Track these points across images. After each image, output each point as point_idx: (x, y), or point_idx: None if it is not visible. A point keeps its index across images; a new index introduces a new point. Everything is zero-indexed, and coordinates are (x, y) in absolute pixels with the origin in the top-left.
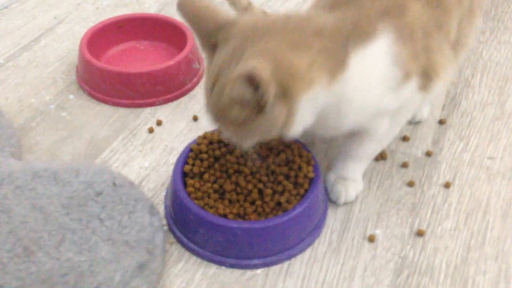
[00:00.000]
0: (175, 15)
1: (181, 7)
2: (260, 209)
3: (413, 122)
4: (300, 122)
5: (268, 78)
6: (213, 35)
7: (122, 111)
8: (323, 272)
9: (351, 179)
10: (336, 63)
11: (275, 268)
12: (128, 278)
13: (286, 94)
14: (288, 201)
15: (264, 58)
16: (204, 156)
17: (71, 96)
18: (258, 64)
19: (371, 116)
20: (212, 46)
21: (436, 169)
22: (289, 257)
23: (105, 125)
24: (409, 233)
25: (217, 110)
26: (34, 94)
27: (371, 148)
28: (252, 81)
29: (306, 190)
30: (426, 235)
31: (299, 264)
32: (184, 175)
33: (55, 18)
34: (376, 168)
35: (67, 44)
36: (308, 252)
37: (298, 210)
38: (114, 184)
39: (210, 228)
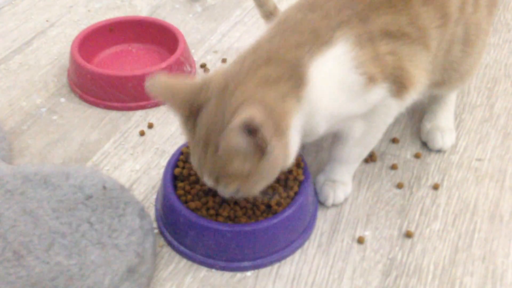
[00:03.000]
0: (166, 18)
1: (151, 88)
2: (250, 212)
3: (434, 150)
4: (293, 150)
5: (263, 119)
6: (193, 101)
7: (113, 114)
8: (312, 273)
9: (340, 182)
10: (297, 82)
11: (265, 270)
12: (118, 281)
13: (279, 131)
14: (278, 204)
15: (250, 103)
16: None
17: (62, 100)
18: (250, 110)
19: (342, 121)
20: (194, 113)
21: (425, 171)
22: (279, 259)
23: (96, 128)
24: (398, 235)
25: (219, 169)
26: (25, 98)
27: (356, 152)
28: (249, 128)
29: (296, 193)
30: (415, 237)
31: (288, 266)
32: (175, 178)
33: (47, 21)
34: (366, 170)
35: (58, 47)
36: (297, 254)
37: (288, 212)
38: (104, 187)
39: (200, 231)
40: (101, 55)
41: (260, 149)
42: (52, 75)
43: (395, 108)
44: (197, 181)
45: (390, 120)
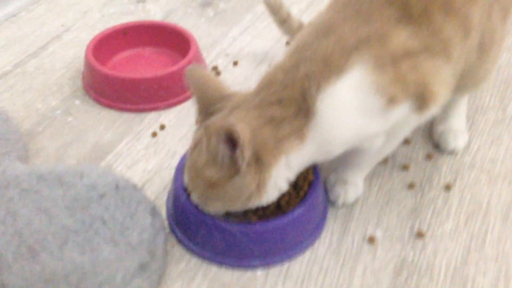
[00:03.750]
0: (179, 23)
1: (190, 73)
2: (260, 211)
3: (446, 151)
4: (273, 190)
5: (247, 139)
6: (213, 104)
7: (126, 115)
8: (322, 273)
9: (351, 182)
10: (301, 121)
11: (275, 269)
12: (130, 278)
13: (259, 164)
14: (287, 203)
15: (245, 123)
16: None
17: (77, 102)
18: (239, 124)
19: (360, 141)
20: (207, 115)
21: (437, 172)
22: (288, 258)
23: (110, 129)
24: (409, 235)
25: (195, 168)
26: (41, 100)
27: (371, 159)
28: (231, 138)
29: (305, 193)
30: (426, 237)
31: (299, 265)
32: None
33: (62, 26)
34: (377, 170)
35: (73, 51)
36: (308, 253)
37: (298, 212)
38: (117, 186)
39: (210, 230)
40: (114, 59)
41: (234, 167)
42: (67, 78)
43: (416, 122)
44: None
45: (409, 131)
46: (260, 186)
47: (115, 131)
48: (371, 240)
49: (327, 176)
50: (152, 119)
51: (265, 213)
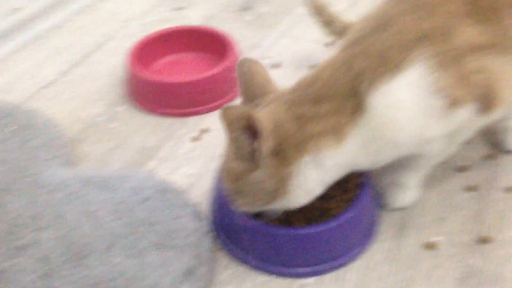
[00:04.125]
0: (218, 28)
1: (240, 65)
2: (303, 216)
3: (507, 151)
4: (300, 190)
5: (268, 129)
6: (257, 98)
7: (169, 120)
8: (379, 281)
9: (406, 186)
10: (339, 121)
11: (326, 277)
12: (177, 283)
13: (281, 158)
14: (335, 207)
15: (269, 115)
16: None
17: (120, 108)
18: (262, 115)
19: (417, 146)
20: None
21: (498, 172)
22: (340, 266)
23: (153, 134)
24: (473, 240)
25: (225, 160)
26: (85, 107)
27: (429, 162)
28: (252, 128)
29: (354, 195)
30: (492, 242)
31: (354, 273)
32: None
33: (104, 35)
34: (434, 172)
35: (116, 59)
36: (363, 260)
37: (345, 216)
38: (161, 190)
39: (252, 234)
40: (155, 64)
41: (254, 160)
42: (109, 85)
43: (479, 124)
44: None
45: (471, 134)
46: (282, 184)
47: (158, 136)
48: (431, 246)
49: (378, 178)
50: (194, 123)
51: (310, 218)
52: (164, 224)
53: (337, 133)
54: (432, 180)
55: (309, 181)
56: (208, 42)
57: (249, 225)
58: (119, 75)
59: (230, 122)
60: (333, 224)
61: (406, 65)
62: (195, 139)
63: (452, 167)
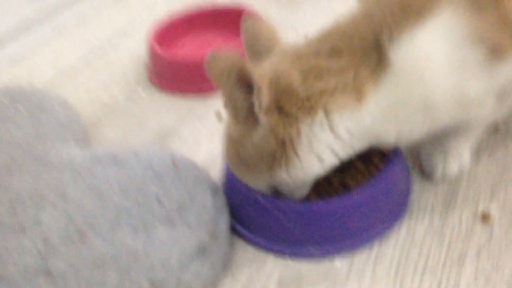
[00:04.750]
0: (247, 5)
1: (244, 21)
2: (322, 190)
3: None
4: (308, 156)
5: (264, 81)
6: (263, 54)
7: (190, 99)
8: (423, 257)
9: (454, 152)
10: (358, 77)
11: (360, 255)
12: (187, 260)
13: (283, 116)
14: (355, 181)
15: (268, 67)
16: None
17: (140, 90)
18: (258, 67)
19: (456, 110)
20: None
21: None
22: (368, 241)
23: (173, 113)
24: None
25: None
26: (105, 90)
27: (479, 127)
28: (245, 79)
29: (379, 169)
30: None
31: (391, 248)
32: None
33: (129, 21)
34: (485, 137)
35: (139, 44)
36: (402, 234)
37: (364, 192)
38: (175, 164)
39: (261, 211)
40: (179, 44)
41: (252, 118)
42: (131, 69)
43: None
44: None
45: None
46: (285, 147)
47: (178, 115)
48: (485, 217)
49: (422, 145)
50: (216, 100)
51: (328, 192)
52: (176, 199)
53: (354, 91)
54: (486, 146)
55: (316, 146)
56: (233, 21)
57: (255, 199)
58: (142, 60)
59: (219, 75)
60: (346, 200)
61: (433, 10)
62: (216, 117)
63: (507, 134)
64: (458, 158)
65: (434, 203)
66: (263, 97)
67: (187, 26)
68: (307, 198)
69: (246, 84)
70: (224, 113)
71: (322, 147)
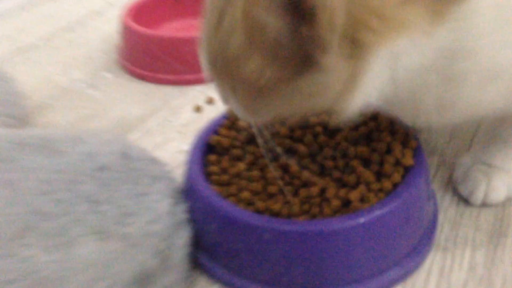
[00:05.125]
0: None
1: None
2: (315, 209)
3: None
4: (367, 90)
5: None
6: None
7: (164, 88)
8: None
9: (500, 167)
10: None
11: None
12: None
13: (357, 46)
14: (362, 199)
15: None
16: (244, 124)
17: (107, 74)
18: None
19: None
20: None
21: None
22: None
23: (142, 103)
24: None
25: (224, 56)
26: (65, 72)
27: None
28: (298, 6)
29: (396, 184)
30: None
31: None
32: (210, 149)
33: (108, 2)
34: None
35: (113, 27)
36: (432, 280)
37: (373, 213)
38: (126, 156)
39: (223, 227)
40: (162, 27)
41: (303, 60)
42: (99, 51)
43: None
44: (242, 157)
45: None
46: (353, 77)
47: (147, 105)
48: None
49: (457, 158)
50: (198, 92)
51: (322, 210)
52: (118, 203)
53: (433, 12)
54: None
55: (374, 83)
56: None
57: (219, 210)
58: (113, 43)
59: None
60: (352, 221)
61: None
62: (194, 110)
63: None
64: (506, 176)
65: (476, 237)
66: (337, 26)
67: (171, 9)
68: (294, 216)
69: (295, 11)
70: (205, 104)
71: (385, 81)
